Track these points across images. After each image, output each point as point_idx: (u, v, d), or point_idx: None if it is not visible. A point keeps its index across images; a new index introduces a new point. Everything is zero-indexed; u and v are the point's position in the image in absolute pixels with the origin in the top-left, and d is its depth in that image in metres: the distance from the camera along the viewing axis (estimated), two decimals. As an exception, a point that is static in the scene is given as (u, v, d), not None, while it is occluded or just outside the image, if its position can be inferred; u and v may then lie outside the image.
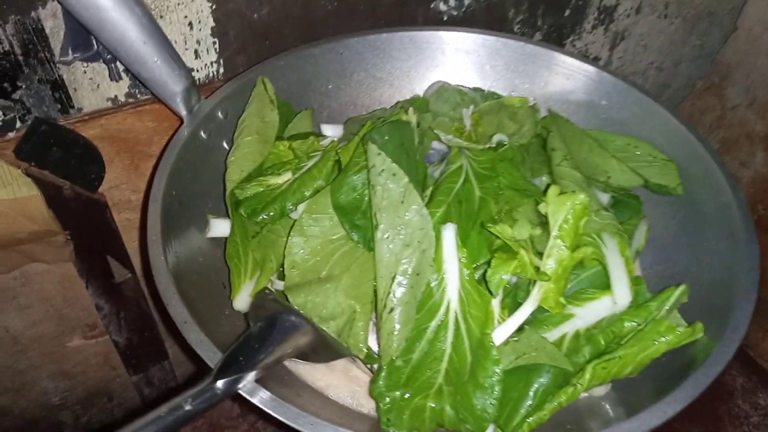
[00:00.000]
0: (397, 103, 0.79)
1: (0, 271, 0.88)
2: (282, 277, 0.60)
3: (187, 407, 0.43)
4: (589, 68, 0.79)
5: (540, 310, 0.56)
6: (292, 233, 0.60)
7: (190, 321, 0.52)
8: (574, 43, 1.18)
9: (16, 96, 0.74)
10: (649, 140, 0.75)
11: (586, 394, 0.57)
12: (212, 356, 0.50)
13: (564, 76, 0.81)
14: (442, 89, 0.82)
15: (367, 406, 0.59)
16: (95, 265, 0.94)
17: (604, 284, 0.59)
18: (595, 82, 0.79)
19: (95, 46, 0.74)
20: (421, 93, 0.86)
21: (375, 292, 0.57)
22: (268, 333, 0.51)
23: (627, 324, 0.55)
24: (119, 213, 0.91)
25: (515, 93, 0.85)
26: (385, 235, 0.56)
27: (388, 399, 0.53)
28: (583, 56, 0.81)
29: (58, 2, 0.66)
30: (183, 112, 0.70)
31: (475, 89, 0.84)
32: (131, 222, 0.93)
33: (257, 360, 0.48)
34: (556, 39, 1.14)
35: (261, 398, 0.48)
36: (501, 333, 0.55)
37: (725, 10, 1.32)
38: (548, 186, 0.56)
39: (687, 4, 1.26)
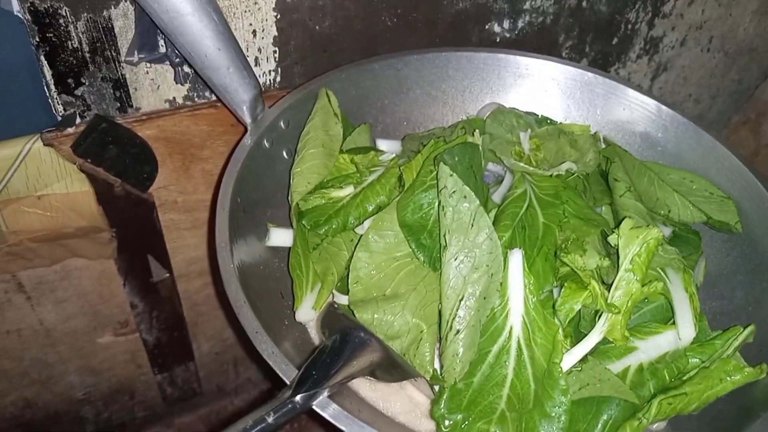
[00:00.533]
0: (458, 123, 0.79)
1: (42, 264, 0.89)
2: (342, 290, 0.61)
3: (270, 420, 0.43)
4: (648, 101, 0.79)
5: (603, 341, 0.56)
6: (358, 248, 0.60)
7: (262, 331, 0.52)
8: (618, 71, 1.19)
9: (78, 92, 0.74)
10: (705, 176, 0.75)
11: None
12: (284, 368, 0.50)
13: (620, 106, 0.82)
14: (498, 111, 0.82)
15: (425, 427, 0.59)
16: (135, 264, 0.95)
17: (665, 318, 0.59)
18: (652, 114, 0.80)
19: (161, 49, 0.75)
20: (474, 113, 0.86)
21: (440, 313, 0.57)
22: (340, 348, 0.51)
23: (691, 360, 0.55)
24: (164, 213, 0.91)
25: (569, 120, 0.85)
26: (455, 257, 0.56)
27: (449, 422, 0.53)
28: (644, 89, 0.82)
29: (137, 4, 0.67)
30: (248, 120, 0.70)
31: (529, 113, 0.84)
32: (174, 223, 0.94)
33: (330, 375, 0.48)
34: (602, 65, 1.15)
35: (332, 413, 0.48)
36: (565, 362, 0.55)
37: (766, 48, 1.33)
38: (622, 219, 0.57)
39: (730, 40, 1.27)
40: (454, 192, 0.58)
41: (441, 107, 0.87)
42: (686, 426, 0.57)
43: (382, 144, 0.78)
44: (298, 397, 0.45)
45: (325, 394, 0.47)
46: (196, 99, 0.83)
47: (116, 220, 0.87)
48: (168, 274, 0.99)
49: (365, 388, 0.60)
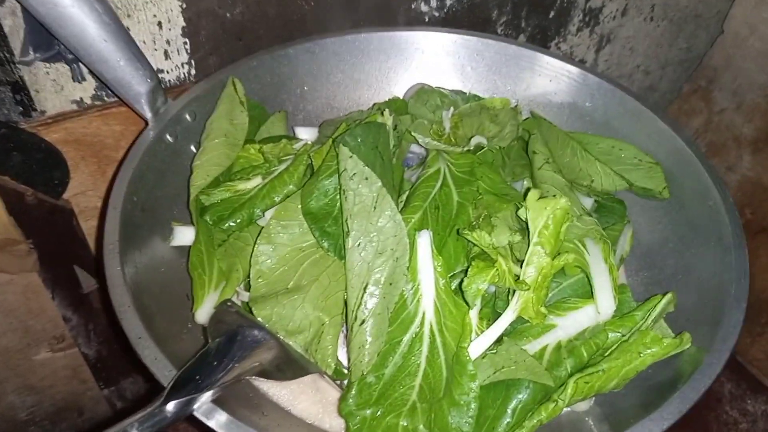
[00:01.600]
0: (374, 104, 0.76)
1: (-40, 282, 0.84)
2: (249, 288, 0.57)
3: (134, 432, 0.39)
4: (572, 69, 0.77)
5: (520, 320, 0.53)
6: (258, 241, 0.56)
7: (145, 336, 0.48)
8: (559, 46, 1.16)
9: (-28, 98, 0.70)
10: (635, 143, 0.72)
11: (569, 409, 0.55)
12: (167, 375, 0.46)
13: (547, 78, 0.79)
14: (421, 91, 0.79)
15: (336, 425, 0.56)
16: (61, 275, 0.90)
17: (586, 293, 0.56)
18: (578, 83, 0.77)
19: (57, 46, 0.70)
20: (400, 95, 0.83)
21: (345, 303, 0.53)
22: (227, 349, 0.47)
23: (611, 335, 0.53)
24: (86, 221, 0.87)
25: (497, 95, 0.82)
26: (357, 243, 0.53)
27: (358, 418, 0.50)
28: (567, 57, 0.79)
29: (16, -1, 0.63)
30: (148, 115, 0.67)
31: (456, 92, 0.81)
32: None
33: (215, 379, 0.45)
34: (541, 41, 1.12)
35: (218, 421, 0.44)
36: (478, 345, 0.52)
37: (712, 13, 1.31)
38: (527, 190, 0.54)
39: (673, 7, 1.25)
40: (354, 174, 0.54)
41: (366, 90, 0.84)
42: (612, 403, 0.54)
43: (301, 132, 0.75)
44: (170, 405, 0.41)
45: (206, 398, 0.43)
46: (105, 98, 0.79)
47: (32, 230, 0.83)
48: (99, 285, 0.95)
49: (273, 385, 0.56)
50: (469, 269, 0.51)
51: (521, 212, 0.54)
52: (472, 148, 0.64)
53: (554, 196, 0.52)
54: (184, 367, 0.45)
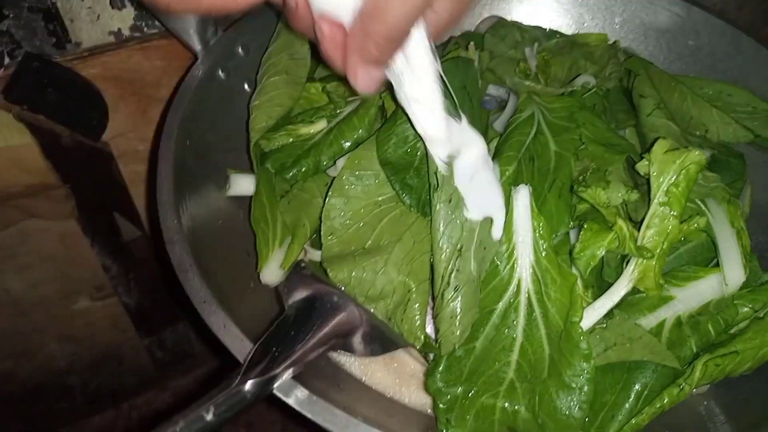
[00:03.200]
0: (450, 38, 0.67)
1: (-7, 228, 0.79)
2: (318, 245, 0.51)
3: (209, 417, 0.33)
4: (675, 0, 0.67)
5: (633, 291, 0.46)
6: (330, 193, 0.49)
7: (211, 300, 0.42)
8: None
9: (2, 27, 0.63)
10: (747, 87, 0.63)
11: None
12: (240, 346, 0.40)
13: (643, 10, 0.69)
14: (498, 25, 0.70)
15: (416, 399, 0.50)
16: (101, 223, 0.85)
17: (708, 259, 0.49)
18: (681, 17, 0.67)
19: (93, -33, 0.63)
20: (471, 29, 0.74)
21: (432, 267, 0.47)
22: (306, 318, 0.41)
23: (741, 310, 0.45)
24: (126, 165, 0.81)
25: (582, 32, 0.72)
26: (448, 199, 0.45)
27: (448, 396, 0.44)
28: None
29: None
30: (197, 47, 0.59)
31: (537, 27, 0.71)
32: (140, 175, 0.84)
33: (295, 352, 0.39)
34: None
35: (297, 398, 0.38)
36: (587, 319, 0.45)
37: (803, -55, 1.17)
38: (652, 142, 0.45)
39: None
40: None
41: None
42: (735, 387, 0.47)
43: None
44: (248, 384, 0.35)
45: (287, 376, 0.37)
46: (145, 29, 0.71)
47: (70, 175, 0.77)
48: (140, 233, 0.90)
49: (344, 354, 0.51)
50: (582, 233, 0.44)
51: (641, 166, 0.46)
52: (577, 88, 0.56)
53: (686, 147, 0.44)
54: (260, 340, 0.39)
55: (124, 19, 0.69)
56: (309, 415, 0.38)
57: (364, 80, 0.37)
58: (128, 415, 1.15)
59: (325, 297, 0.43)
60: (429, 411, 0.49)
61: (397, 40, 0.36)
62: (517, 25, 0.70)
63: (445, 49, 0.62)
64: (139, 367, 1.13)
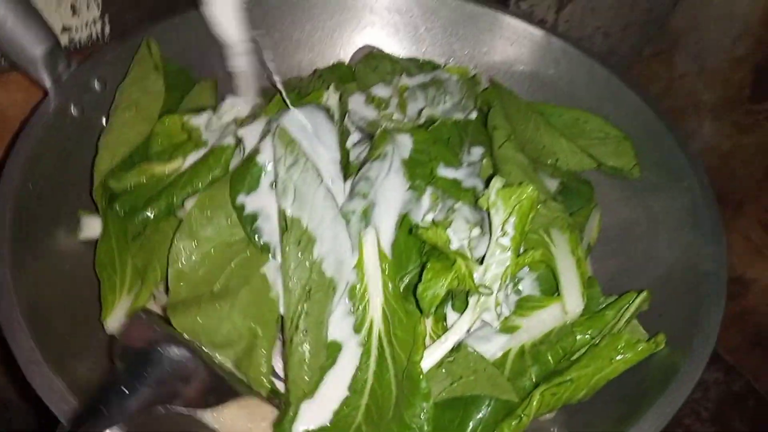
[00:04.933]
0: (315, 71, 0.67)
1: None
2: (167, 289, 0.49)
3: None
4: (536, 32, 0.69)
5: (479, 321, 0.47)
6: (177, 235, 0.48)
7: (39, 360, 0.40)
8: (519, 5, 1.08)
9: None
10: (602, 115, 0.66)
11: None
12: (66, 409, 0.38)
13: (508, 41, 0.71)
14: (370, 56, 0.70)
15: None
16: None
17: (552, 289, 0.51)
18: (542, 47, 0.70)
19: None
20: (346, 59, 0.74)
21: (281, 310, 0.46)
22: (141, 371, 0.39)
23: (579, 337, 0.47)
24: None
25: (454, 60, 0.74)
26: (297, 241, 0.45)
27: (296, 445, 0.44)
28: (529, 17, 0.72)
29: None
30: (46, 82, 0.56)
31: (410, 59, 0.73)
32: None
33: (125, 409, 0.37)
34: (499, -1, 1.04)
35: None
36: (433, 354, 0.46)
37: (676, -29, 1.25)
38: (489, 177, 0.47)
39: (637, -37, 1.18)
40: (293, 165, 0.47)
41: (307, 53, 0.75)
42: (579, 412, 0.49)
43: (230, 103, 0.65)
44: (67, 451, 0.33)
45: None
46: (1, 62, 0.67)
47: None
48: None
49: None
50: (424, 273, 0.44)
51: (481, 202, 0.47)
52: (422, 121, 0.57)
53: (520, 183, 0.46)
54: (86, 398, 0.38)
55: (-24, 53, 0.65)
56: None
57: None
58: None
59: (164, 348, 0.41)
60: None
61: None
62: (389, 57, 0.71)
63: (310, 85, 0.62)
64: None
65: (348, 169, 0.55)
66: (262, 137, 0.52)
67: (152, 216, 0.52)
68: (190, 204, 0.50)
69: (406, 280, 0.48)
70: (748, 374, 1.25)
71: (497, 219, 0.46)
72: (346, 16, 0.74)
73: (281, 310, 0.47)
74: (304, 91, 0.60)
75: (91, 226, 0.54)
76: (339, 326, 0.46)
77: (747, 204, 1.27)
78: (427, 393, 0.42)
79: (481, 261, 0.47)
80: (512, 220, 0.45)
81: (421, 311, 0.45)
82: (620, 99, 0.65)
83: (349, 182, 0.53)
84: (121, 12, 0.70)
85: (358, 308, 0.47)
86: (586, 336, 0.47)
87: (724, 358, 1.26)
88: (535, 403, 0.43)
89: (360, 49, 0.74)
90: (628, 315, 0.47)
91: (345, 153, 0.56)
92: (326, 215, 0.47)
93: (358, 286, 0.47)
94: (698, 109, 1.26)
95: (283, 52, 0.73)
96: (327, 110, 0.53)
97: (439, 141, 0.55)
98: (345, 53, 0.75)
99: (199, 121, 0.58)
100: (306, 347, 0.45)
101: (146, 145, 0.56)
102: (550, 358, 0.46)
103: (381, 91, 0.65)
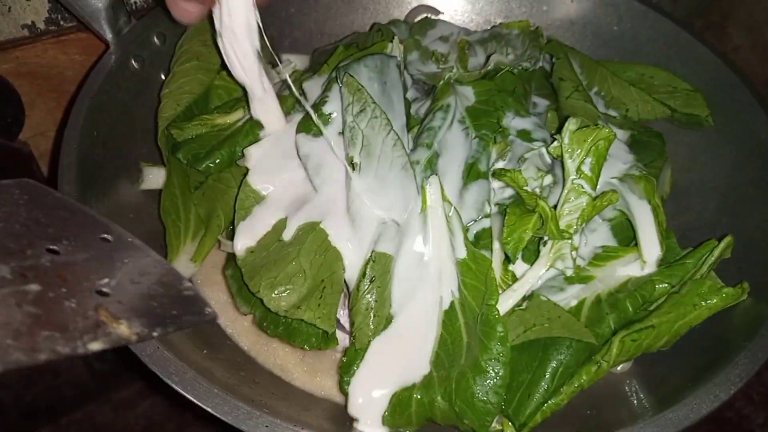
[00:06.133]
0: (374, 25, 0.66)
1: None
2: (232, 236, 0.49)
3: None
4: (598, -14, 0.67)
5: (551, 271, 0.46)
6: (245, 183, 0.48)
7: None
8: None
9: None
10: (668, 70, 0.64)
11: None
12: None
13: (568, -2, 0.69)
14: (425, 21, 0.69)
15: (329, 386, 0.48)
16: (23, 227, 0.81)
17: (627, 239, 0.49)
18: (605, 3, 0.68)
19: (-2, -44, 0.60)
20: (401, 17, 0.73)
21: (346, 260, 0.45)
22: None
23: (659, 286, 0.45)
24: (48, 165, 0.77)
25: (511, 19, 0.72)
26: (364, 189, 0.44)
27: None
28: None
29: None
30: (108, 35, 0.57)
31: (466, 31, 0.71)
32: (64, 176, 0.80)
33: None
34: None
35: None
36: (505, 302, 0.44)
37: (731, -61, 1.20)
38: (558, 128, 0.45)
39: (691, -69, 1.14)
40: (361, 112, 0.46)
41: (361, 14, 0.74)
42: (656, 364, 0.47)
43: (291, 59, 0.65)
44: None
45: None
46: (61, 22, 0.68)
47: (-15, 176, 0.73)
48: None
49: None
50: (507, 217, 0.43)
51: (554, 149, 0.45)
52: (491, 67, 0.55)
53: (596, 125, 0.44)
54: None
55: (38, 11, 0.66)
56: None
57: (178, 12, 0.42)
58: (67, 430, 1.10)
59: None
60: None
61: None
62: (444, 21, 0.70)
63: (368, 39, 0.61)
64: (76, 380, 1.09)
65: (410, 121, 0.54)
66: (327, 87, 0.51)
67: (214, 165, 0.51)
68: (252, 152, 0.50)
69: (475, 229, 0.47)
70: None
71: (572, 162, 0.44)
72: (400, -25, 0.72)
73: (346, 259, 0.46)
74: (362, 45, 0.59)
75: (153, 177, 0.54)
76: (405, 275, 0.45)
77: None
78: (505, 336, 0.40)
79: (554, 208, 0.45)
80: (588, 161, 0.43)
81: (508, 258, 0.43)
82: (689, 53, 0.63)
83: (410, 135, 0.52)
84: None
85: (425, 257, 0.46)
86: (666, 285, 0.45)
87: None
88: (615, 349, 0.41)
89: (414, 8, 0.73)
90: (711, 261, 0.45)
91: (407, 105, 0.54)
92: (395, 163, 0.45)
93: (423, 235, 0.46)
94: (752, 82, 1.21)
95: (337, 13, 0.72)
96: (393, 59, 0.51)
97: (504, 91, 0.53)
98: (400, 13, 0.74)
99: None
100: (372, 295, 0.44)
101: (207, 97, 0.56)
102: (629, 305, 0.44)
103: (440, 46, 0.64)
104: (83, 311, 0.30)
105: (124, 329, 0.31)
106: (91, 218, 0.36)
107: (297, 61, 0.64)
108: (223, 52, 0.47)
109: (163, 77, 0.60)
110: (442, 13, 0.73)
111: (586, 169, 0.43)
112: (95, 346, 0.30)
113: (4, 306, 0.29)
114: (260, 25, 0.46)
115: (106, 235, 0.35)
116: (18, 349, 0.27)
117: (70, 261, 0.33)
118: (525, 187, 0.45)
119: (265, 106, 0.49)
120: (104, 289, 0.32)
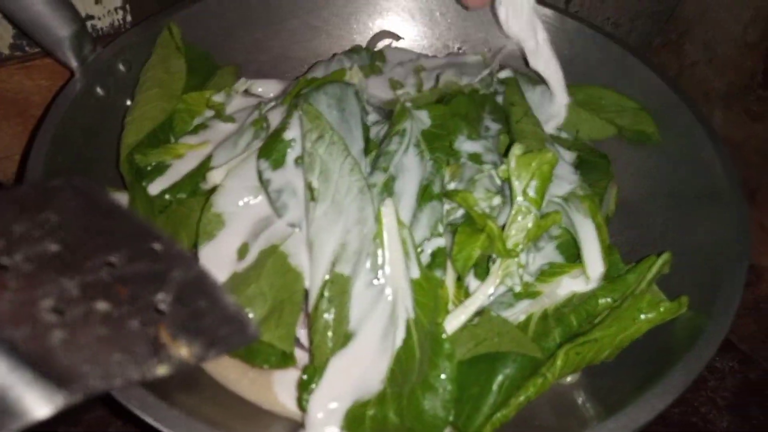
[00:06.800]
0: (334, 55, 0.68)
1: None
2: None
3: None
4: (549, 13, 0.70)
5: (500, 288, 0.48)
6: (207, 207, 0.49)
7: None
8: (529, -6, 1.09)
9: None
10: (619, 92, 0.67)
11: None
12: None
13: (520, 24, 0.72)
14: (387, 49, 0.72)
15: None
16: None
17: (572, 255, 0.51)
18: (556, 28, 0.70)
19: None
20: (363, 44, 0.76)
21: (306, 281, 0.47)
22: None
23: (602, 300, 0.48)
24: (15, 188, 0.78)
25: (468, 43, 0.75)
26: (323, 213, 0.46)
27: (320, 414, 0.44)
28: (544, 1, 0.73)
29: None
30: (73, 63, 0.58)
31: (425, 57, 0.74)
32: (32, 199, 0.80)
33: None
34: (511, -12, 1.05)
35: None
36: (456, 318, 0.46)
37: (685, -40, 1.26)
38: (509, 145, 0.48)
39: (646, -47, 1.19)
40: (320, 138, 0.48)
41: (325, 39, 0.76)
42: (602, 375, 0.49)
43: (259, 85, 0.67)
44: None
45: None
46: (26, 48, 0.69)
47: (-49, 201, 0.73)
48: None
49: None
50: (456, 236, 0.45)
51: (501, 171, 0.48)
52: (441, 86, 0.57)
53: (540, 149, 0.46)
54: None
55: (2, 37, 0.67)
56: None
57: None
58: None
59: None
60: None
61: None
62: (402, 49, 0.72)
63: (328, 67, 0.63)
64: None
65: (369, 146, 0.56)
66: (287, 115, 0.53)
67: (178, 193, 0.53)
68: (215, 176, 0.51)
69: (430, 248, 0.49)
70: (764, 362, 1.24)
71: (518, 184, 0.46)
72: (362, 1, 0.75)
73: (306, 280, 0.48)
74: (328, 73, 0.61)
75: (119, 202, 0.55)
76: (362, 294, 0.47)
77: (760, 192, 1.27)
78: (451, 353, 0.42)
79: (502, 228, 0.47)
80: (533, 184, 0.46)
81: (459, 275, 0.45)
82: (636, 76, 0.66)
83: (368, 159, 0.54)
84: (142, 1, 0.72)
85: (380, 277, 0.47)
86: (608, 299, 0.48)
87: (739, 347, 1.25)
88: (559, 362, 0.44)
89: (377, 34, 0.75)
90: (650, 277, 0.48)
91: (366, 129, 0.56)
92: (352, 187, 0.48)
93: (379, 256, 0.48)
94: (709, 97, 1.26)
95: (301, 39, 0.75)
96: (352, 87, 0.54)
97: (457, 115, 0.56)
98: (362, 39, 0.76)
99: (221, 97, 0.60)
100: (330, 315, 0.45)
101: (170, 122, 0.57)
102: (573, 320, 0.47)
103: (397, 72, 0.66)
104: (146, 332, 0.28)
105: (184, 351, 0.28)
106: (141, 225, 0.33)
107: (263, 86, 0.66)
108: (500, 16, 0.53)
109: (128, 103, 0.62)
110: (403, 38, 0.76)
111: (531, 191, 0.46)
112: (161, 370, 0.27)
113: (78, 327, 0.27)
114: None
115: (155, 244, 0.32)
116: (95, 376, 0.25)
117: (126, 275, 0.30)
118: (475, 208, 0.47)
119: (540, 57, 0.55)
120: (160, 306, 0.30)
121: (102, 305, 0.28)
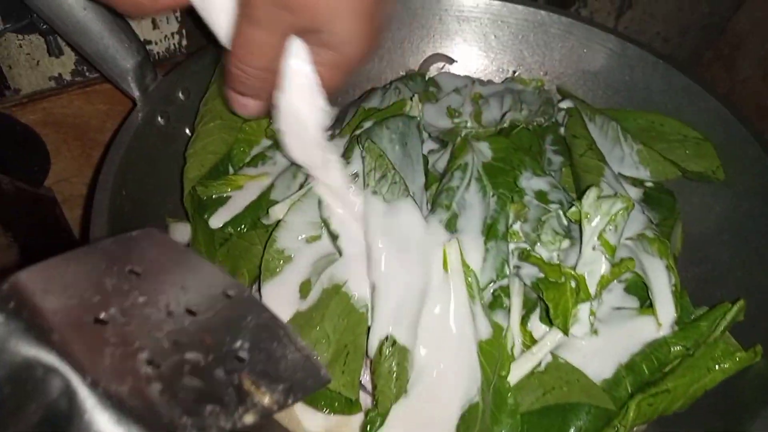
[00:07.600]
0: (391, 83, 0.68)
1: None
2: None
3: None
4: (610, 38, 0.69)
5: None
6: (270, 242, 0.49)
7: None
8: (579, 11, 1.07)
9: (-65, 75, 0.62)
10: (679, 119, 0.65)
11: None
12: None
13: (580, 47, 0.71)
14: (440, 75, 0.71)
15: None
16: (47, 268, 0.83)
17: (641, 297, 0.50)
18: (617, 54, 0.69)
19: (29, 15, 0.62)
20: (415, 68, 0.75)
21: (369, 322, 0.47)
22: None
23: (674, 348, 0.46)
24: (71, 210, 0.79)
25: (523, 67, 0.74)
26: (384, 255, 0.46)
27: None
28: (602, 25, 0.71)
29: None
30: (136, 93, 0.59)
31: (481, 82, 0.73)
32: (85, 219, 0.82)
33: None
34: (560, 5, 1.03)
35: None
36: (523, 365, 0.45)
37: (739, -27, 1.22)
38: (585, 186, 0.46)
39: (698, -34, 1.16)
40: (383, 177, 0.47)
41: (377, 63, 0.76)
42: (672, 425, 0.48)
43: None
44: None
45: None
46: (87, 74, 0.70)
47: (11, 221, 0.75)
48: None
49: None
50: (546, 293, 0.44)
51: (572, 213, 0.47)
52: (506, 125, 0.56)
53: (615, 194, 0.45)
54: None
55: (65, 64, 0.68)
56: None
57: (239, 105, 0.39)
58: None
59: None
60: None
61: (266, 71, 0.37)
62: (456, 75, 0.72)
63: (385, 95, 0.62)
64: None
65: (428, 179, 0.56)
66: (348, 148, 0.53)
67: (238, 226, 0.53)
68: (277, 212, 0.51)
69: (492, 290, 0.48)
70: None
71: (590, 229, 0.45)
72: (415, 25, 0.74)
73: (369, 321, 0.47)
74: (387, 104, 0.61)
75: (179, 233, 0.55)
76: (427, 338, 0.46)
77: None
78: (515, 410, 0.42)
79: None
80: (608, 229, 0.45)
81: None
82: (700, 105, 0.64)
83: (428, 193, 0.53)
84: (199, 26, 0.72)
85: (447, 322, 0.47)
86: (680, 347, 0.46)
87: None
88: (631, 413, 0.42)
89: (429, 57, 0.75)
90: (724, 325, 0.46)
91: (426, 162, 0.56)
92: (415, 230, 0.47)
93: (443, 298, 0.47)
94: (763, 113, 1.22)
95: (354, 63, 0.74)
96: (414, 120, 0.53)
97: (520, 149, 0.55)
98: (414, 62, 0.75)
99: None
100: (394, 360, 0.45)
101: (229, 153, 0.57)
102: (645, 368, 0.45)
103: (454, 99, 0.65)
104: (231, 380, 0.28)
105: (267, 399, 0.28)
106: (214, 272, 0.33)
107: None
108: (282, 140, 0.44)
109: (188, 131, 0.62)
110: (456, 61, 0.75)
111: (605, 236, 0.45)
112: (249, 419, 0.27)
113: (174, 379, 0.27)
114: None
115: (229, 291, 0.32)
116: (193, 427, 0.25)
117: (206, 323, 0.30)
118: (547, 260, 0.46)
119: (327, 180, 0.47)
120: (240, 354, 0.29)
121: (191, 355, 0.28)
